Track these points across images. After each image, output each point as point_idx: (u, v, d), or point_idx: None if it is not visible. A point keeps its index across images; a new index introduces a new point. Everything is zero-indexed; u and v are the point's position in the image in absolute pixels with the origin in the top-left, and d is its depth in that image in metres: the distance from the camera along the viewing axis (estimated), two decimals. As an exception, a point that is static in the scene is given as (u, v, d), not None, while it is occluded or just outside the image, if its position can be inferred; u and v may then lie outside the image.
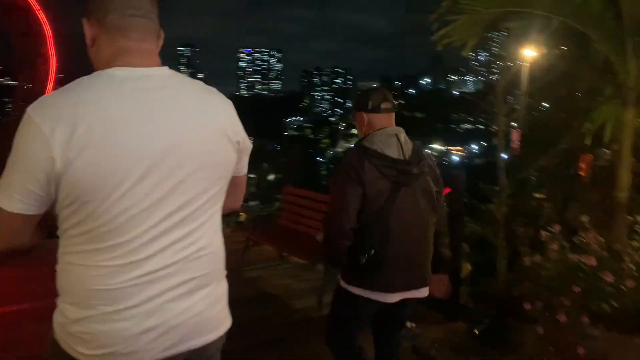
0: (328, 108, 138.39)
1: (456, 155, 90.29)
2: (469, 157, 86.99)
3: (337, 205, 2.21)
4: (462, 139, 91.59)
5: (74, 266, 1.21)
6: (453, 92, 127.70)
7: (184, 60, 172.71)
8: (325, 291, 4.16)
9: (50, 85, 6.20)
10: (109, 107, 1.14)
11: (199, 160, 1.26)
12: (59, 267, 1.23)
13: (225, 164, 1.34)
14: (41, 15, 6.10)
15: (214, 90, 1.35)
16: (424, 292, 2.36)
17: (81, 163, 1.09)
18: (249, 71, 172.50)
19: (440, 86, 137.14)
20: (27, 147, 1.10)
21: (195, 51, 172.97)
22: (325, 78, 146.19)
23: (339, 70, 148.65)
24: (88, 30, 1.25)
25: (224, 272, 1.41)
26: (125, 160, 1.14)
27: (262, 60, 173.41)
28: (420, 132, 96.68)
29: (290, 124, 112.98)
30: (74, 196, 1.13)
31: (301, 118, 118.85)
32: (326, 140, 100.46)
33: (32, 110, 1.09)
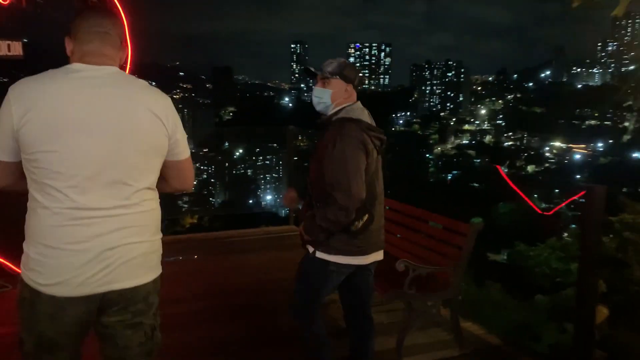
0: (438, 103, 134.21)
1: (579, 153, 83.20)
2: (593, 155, 79.72)
3: (354, 177, 2.34)
4: (586, 137, 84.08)
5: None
6: (577, 85, 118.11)
7: (295, 57, 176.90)
8: (408, 331, 3.27)
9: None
10: (55, 90, 1.68)
11: (116, 133, 1.69)
12: None
13: (148, 140, 1.74)
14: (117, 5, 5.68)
15: (146, 87, 1.80)
16: (382, 254, 2.67)
17: (25, 128, 1.65)
18: (358, 66, 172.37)
19: (563, 80, 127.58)
20: (2, 116, 1.69)
21: (306, 48, 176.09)
22: (436, 72, 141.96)
23: (451, 63, 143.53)
24: (68, 45, 1.80)
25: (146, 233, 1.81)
26: (57, 124, 1.64)
27: (371, 55, 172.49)
28: (539, 128, 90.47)
29: (397, 120, 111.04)
30: (27, 150, 1.67)
31: (409, 113, 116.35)
32: (435, 136, 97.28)
33: (11, 89, 1.69)
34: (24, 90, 1.67)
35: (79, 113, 1.65)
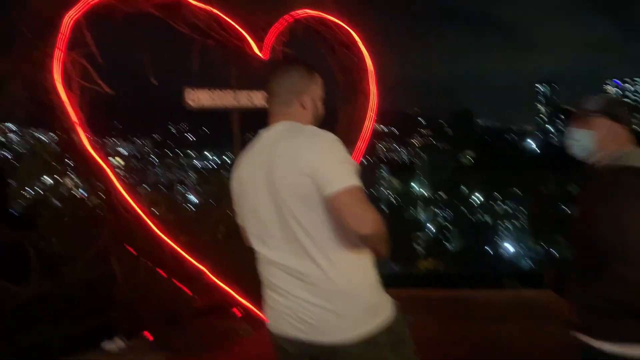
0: None
1: None
2: None
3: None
4: None
5: None
6: None
7: (541, 98, 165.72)
8: None
9: (368, 122, 5.67)
10: (245, 155, 1.94)
11: (286, 193, 1.71)
12: None
13: (292, 189, 1.70)
14: (363, 49, 5.65)
15: (297, 134, 1.77)
16: None
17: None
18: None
19: None
20: None
21: (554, 87, 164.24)
22: None
23: None
24: None
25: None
26: (239, 190, 1.92)
27: (636, 91, 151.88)
28: None
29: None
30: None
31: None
32: None
33: None
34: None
35: (247, 174, 1.87)
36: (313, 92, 1.91)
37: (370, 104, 5.94)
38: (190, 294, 4.88)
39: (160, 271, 4.66)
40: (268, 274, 1.83)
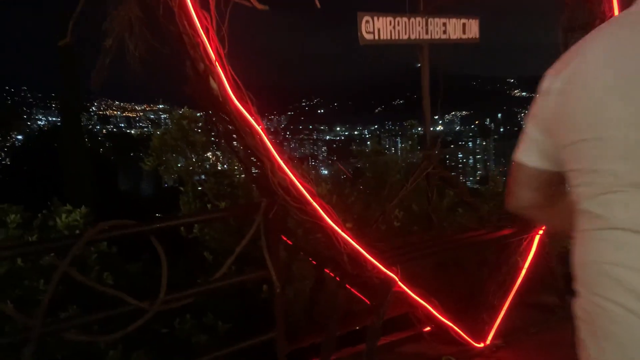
0: None
1: None
2: None
3: None
4: None
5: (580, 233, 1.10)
6: None
7: None
8: None
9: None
10: (601, 41, 1.07)
11: None
12: None
13: None
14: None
15: None
16: None
17: (561, 98, 1.07)
18: None
19: None
20: (536, 102, 1.17)
21: None
22: None
23: None
24: None
25: None
26: (600, 94, 1.01)
27: None
28: None
29: None
30: (561, 140, 1.08)
31: None
32: None
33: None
34: (564, 56, 1.13)
35: (630, 73, 0.98)
36: None
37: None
38: (369, 304, 3.52)
39: (331, 274, 3.36)
40: None
